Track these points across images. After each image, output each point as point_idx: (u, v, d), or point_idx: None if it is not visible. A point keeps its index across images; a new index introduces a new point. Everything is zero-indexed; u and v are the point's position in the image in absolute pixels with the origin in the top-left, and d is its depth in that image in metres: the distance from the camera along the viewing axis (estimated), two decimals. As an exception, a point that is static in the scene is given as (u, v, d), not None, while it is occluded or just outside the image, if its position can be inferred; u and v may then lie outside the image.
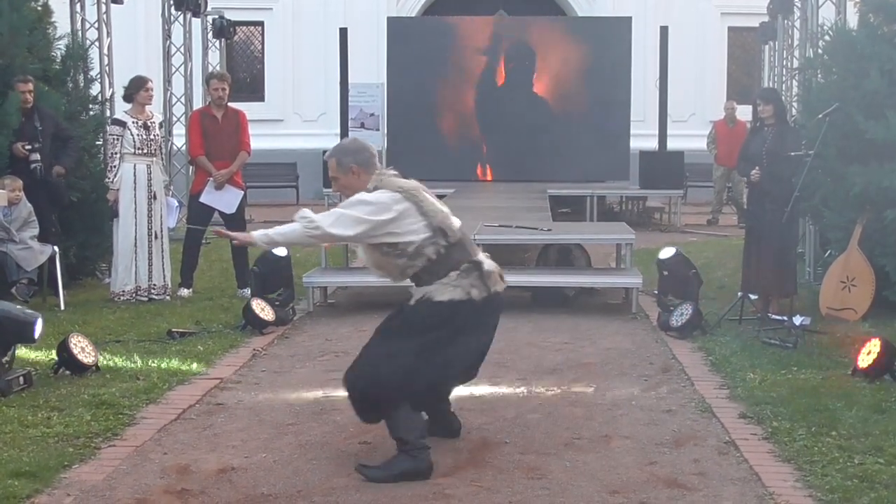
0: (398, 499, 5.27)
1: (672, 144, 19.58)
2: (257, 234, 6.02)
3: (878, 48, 10.26)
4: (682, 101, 23.43)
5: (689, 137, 21.79)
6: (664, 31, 18.94)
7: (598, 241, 12.55)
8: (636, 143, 20.30)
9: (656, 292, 10.74)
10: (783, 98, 13.33)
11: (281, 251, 10.24)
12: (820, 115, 9.65)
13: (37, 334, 7.32)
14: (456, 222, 6.03)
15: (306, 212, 5.90)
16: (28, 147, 10.52)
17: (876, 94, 10.00)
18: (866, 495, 5.21)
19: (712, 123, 20.59)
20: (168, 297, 10.88)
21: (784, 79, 17.30)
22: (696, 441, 6.28)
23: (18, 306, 7.48)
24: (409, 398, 5.72)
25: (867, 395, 7.09)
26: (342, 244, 6.27)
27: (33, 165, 10.52)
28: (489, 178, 21.00)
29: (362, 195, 5.84)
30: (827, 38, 11.44)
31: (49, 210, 10.72)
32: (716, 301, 10.63)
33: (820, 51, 11.89)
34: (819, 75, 11.70)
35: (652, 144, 19.55)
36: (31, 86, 10.66)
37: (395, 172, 6.03)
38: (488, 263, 6.06)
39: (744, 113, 18.46)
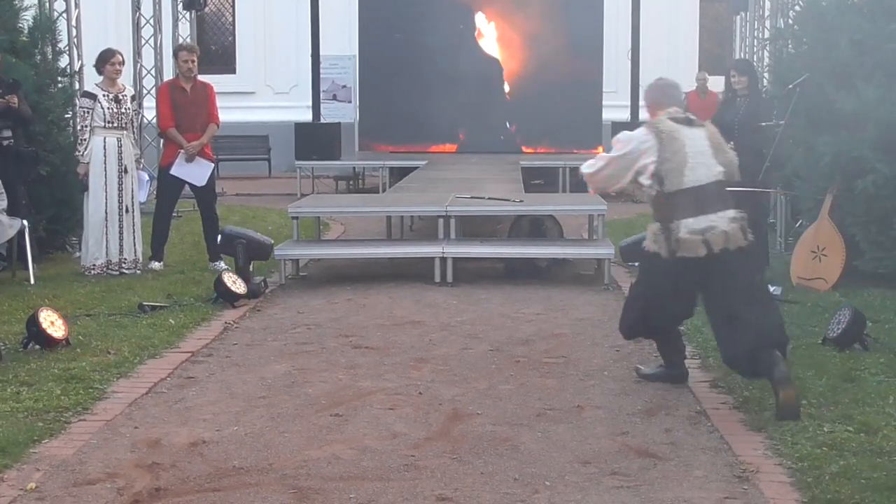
0: (369, 471, 5.28)
1: (644, 115, 19.50)
2: None
3: (847, 18, 10.27)
4: (654, 72, 23.13)
5: (661, 108, 21.75)
6: (636, 1, 18.90)
7: (571, 213, 12.57)
8: (608, 115, 20.28)
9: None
10: (756, 69, 13.35)
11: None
12: (790, 86, 9.67)
13: None
14: (698, 174, 6.41)
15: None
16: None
17: (845, 65, 10.01)
18: (835, 463, 5.25)
19: (684, 94, 20.58)
20: (139, 271, 10.81)
21: (755, 49, 17.33)
22: (667, 411, 6.31)
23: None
24: None
25: (837, 363, 7.13)
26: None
27: (6, 142, 10.39)
28: (462, 149, 20.98)
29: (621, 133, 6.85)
30: (797, 8, 11.47)
31: (18, 182, 10.58)
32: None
33: (790, 21, 11.93)
34: (790, 45, 11.73)
35: (624, 115, 19.52)
36: None
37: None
38: (686, 229, 6.34)
39: (715, 84, 18.48)
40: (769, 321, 6.30)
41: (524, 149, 20.49)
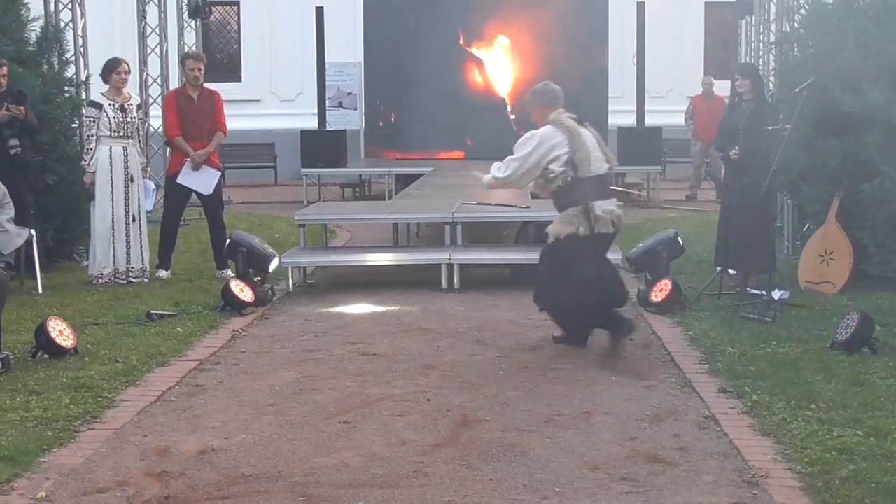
0: (378, 478, 5.28)
1: (650, 120, 19.55)
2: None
3: (853, 21, 10.26)
4: (660, 77, 23.36)
5: (667, 113, 21.75)
6: (641, 6, 18.88)
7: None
8: (614, 119, 20.24)
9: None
10: (760, 72, 13.33)
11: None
12: (796, 89, 9.65)
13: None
14: (598, 165, 7.68)
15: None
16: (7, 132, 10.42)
17: (852, 68, 10.00)
18: (845, 467, 5.24)
19: (690, 99, 20.58)
20: (146, 280, 10.83)
21: (761, 53, 17.28)
22: (676, 416, 6.30)
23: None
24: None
25: (846, 368, 7.12)
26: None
27: (13, 151, 10.42)
28: (470, 156, 20.96)
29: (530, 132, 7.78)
30: (803, 11, 11.45)
31: (25, 191, 10.60)
32: (695, 276, 10.65)
33: (796, 24, 11.90)
34: (795, 49, 11.71)
35: (630, 120, 19.52)
36: (5, 70, 10.55)
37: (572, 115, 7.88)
38: (599, 209, 7.60)
39: (721, 88, 18.44)
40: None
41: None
